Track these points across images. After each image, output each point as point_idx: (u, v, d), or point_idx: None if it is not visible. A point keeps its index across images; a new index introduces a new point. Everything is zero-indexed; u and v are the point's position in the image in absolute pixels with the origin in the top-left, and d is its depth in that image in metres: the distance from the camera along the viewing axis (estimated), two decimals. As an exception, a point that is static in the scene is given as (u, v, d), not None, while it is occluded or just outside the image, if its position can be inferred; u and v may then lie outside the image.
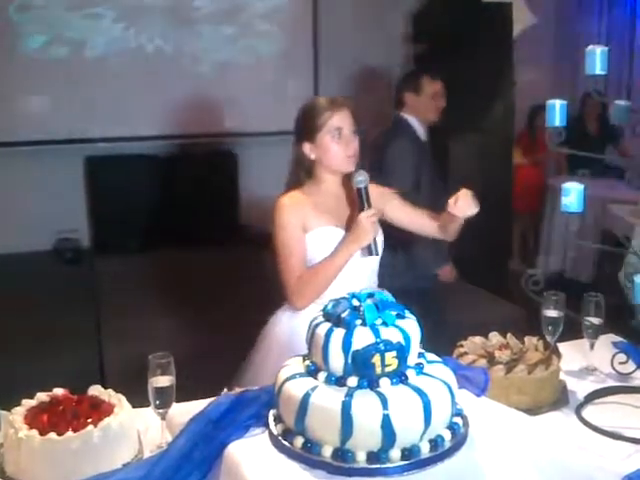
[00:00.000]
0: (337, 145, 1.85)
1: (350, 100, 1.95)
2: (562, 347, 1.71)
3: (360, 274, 1.89)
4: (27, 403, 1.37)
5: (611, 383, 1.67)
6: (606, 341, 1.81)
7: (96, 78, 4.49)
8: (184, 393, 1.45)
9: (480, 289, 3.51)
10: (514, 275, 4.34)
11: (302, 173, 1.92)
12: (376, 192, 1.92)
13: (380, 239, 1.91)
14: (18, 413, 1.33)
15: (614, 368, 1.69)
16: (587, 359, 1.75)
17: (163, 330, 3.04)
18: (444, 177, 4.70)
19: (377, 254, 1.85)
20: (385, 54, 4.89)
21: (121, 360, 2.81)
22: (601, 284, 4.13)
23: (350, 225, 1.85)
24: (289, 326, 1.90)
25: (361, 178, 1.80)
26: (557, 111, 1.58)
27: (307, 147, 1.88)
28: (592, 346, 1.74)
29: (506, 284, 4.18)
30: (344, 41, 4.83)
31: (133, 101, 4.53)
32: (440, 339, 1.87)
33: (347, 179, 1.90)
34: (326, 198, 1.91)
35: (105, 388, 1.43)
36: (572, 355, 1.77)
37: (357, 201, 1.82)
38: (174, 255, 4.28)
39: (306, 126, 1.88)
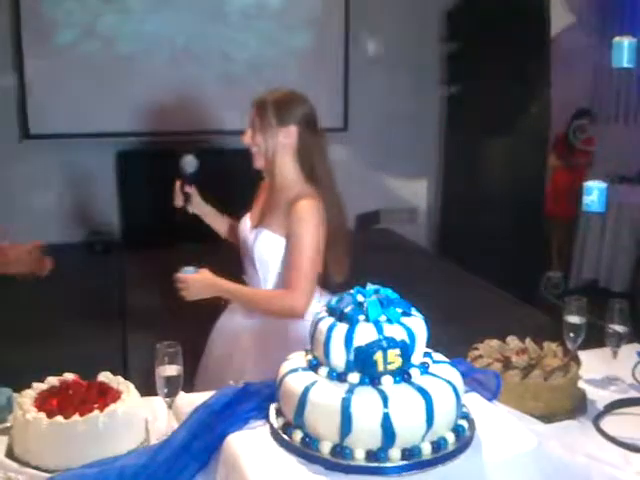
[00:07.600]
0: None
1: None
2: (584, 355, 1.65)
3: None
4: (38, 387, 1.40)
5: (633, 394, 1.61)
6: (631, 350, 1.75)
7: (127, 72, 4.56)
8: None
9: (508, 294, 3.43)
10: (546, 281, 4.24)
11: None
12: None
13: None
14: (27, 396, 1.35)
15: (635, 378, 1.62)
16: (609, 368, 1.69)
17: (187, 321, 3.06)
18: (475, 179, 4.64)
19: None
20: (418, 53, 4.84)
21: (144, 349, 2.85)
22: (638, 294, 4.00)
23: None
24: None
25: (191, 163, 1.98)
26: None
27: None
28: (615, 355, 1.68)
29: (535, 290, 4.09)
30: (375, 38, 4.80)
31: (164, 96, 4.57)
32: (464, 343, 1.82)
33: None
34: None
35: (127, 376, 1.44)
36: (594, 363, 1.71)
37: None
38: (203, 249, 4.30)
39: None
